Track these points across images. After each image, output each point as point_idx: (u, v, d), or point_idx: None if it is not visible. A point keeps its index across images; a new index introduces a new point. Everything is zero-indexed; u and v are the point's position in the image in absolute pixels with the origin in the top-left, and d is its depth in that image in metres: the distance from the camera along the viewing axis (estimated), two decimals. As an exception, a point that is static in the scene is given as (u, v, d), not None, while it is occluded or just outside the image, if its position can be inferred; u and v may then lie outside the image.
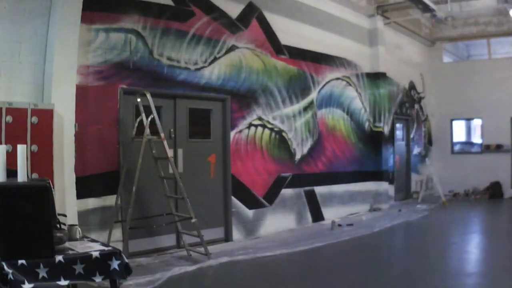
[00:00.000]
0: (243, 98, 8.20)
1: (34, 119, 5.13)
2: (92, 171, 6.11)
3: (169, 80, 7.09)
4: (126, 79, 6.56)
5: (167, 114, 7.19)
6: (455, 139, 15.32)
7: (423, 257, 6.84)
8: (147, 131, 6.20)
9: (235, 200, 8.00)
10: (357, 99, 11.25)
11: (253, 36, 8.43)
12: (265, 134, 8.63)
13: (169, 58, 7.08)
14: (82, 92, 6.00)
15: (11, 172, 3.18)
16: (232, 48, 8.02)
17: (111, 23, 6.39)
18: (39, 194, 2.95)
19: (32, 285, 2.75)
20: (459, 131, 15.64)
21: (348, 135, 10.92)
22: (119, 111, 6.47)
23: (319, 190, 9.82)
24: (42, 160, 5.14)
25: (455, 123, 15.34)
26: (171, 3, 7.16)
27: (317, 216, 9.74)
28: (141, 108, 6.26)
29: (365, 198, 11.35)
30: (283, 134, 9.01)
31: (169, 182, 6.71)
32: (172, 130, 7.20)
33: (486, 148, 14.49)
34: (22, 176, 3.10)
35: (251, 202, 8.29)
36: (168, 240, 7.06)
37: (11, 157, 3.29)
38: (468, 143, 15.51)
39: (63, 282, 2.91)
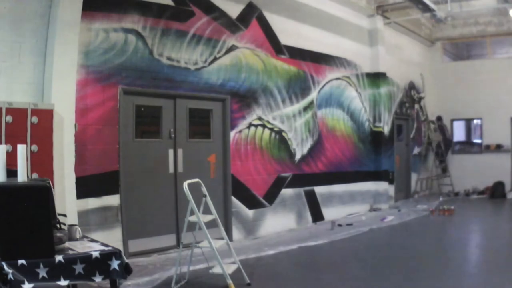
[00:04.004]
0: (243, 98, 8.20)
1: (34, 119, 5.13)
2: (92, 171, 6.11)
3: (169, 80, 7.09)
4: (126, 79, 6.56)
5: (167, 114, 7.19)
6: (455, 139, 15.34)
7: (423, 257, 6.84)
8: None
9: (235, 200, 8.00)
10: (357, 99, 11.25)
11: (253, 36, 8.43)
12: (265, 134, 8.63)
13: (169, 58, 7.08)
14: (82, 92, 6.01)
15: (11, 172, 3.18)
16: (232, 48, 8.02)
17: (111, 23, 6.39)
18: (39, 194, 2.95)
19: (32, 285, 2.75)
20: (459, 131, 15.65)
21: (348, 135, 10.92)
22: (119, 111, 6.47)
23: (319, 190, 9.82)
24: (42, 160, 5.14)
25: (455, 123, 15.35)
26: (171, 3, 7.16)
27: (317, 216, 9.74)
28: None
29: (365, 198, 11.36)
30: (283, 134, 9.01)
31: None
32: (172, 130, 7.20)
33: (486, 148, 14.49)
34: (22, 176, 3.10)
35: (251, 202, 8.30)
36: (168, 240, 7.07)
37: (11, 157, 3.29)
38: (468, 143, 15.51)
39: (63, 282, 2.91)
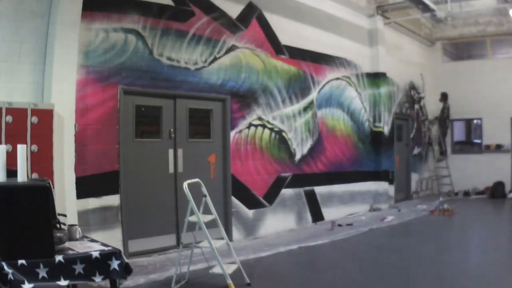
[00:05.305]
0: (243, 98, 8.20)
1: (34, 119, 5.13)
2: (92, 171, 6.12)
3: (169, 80, 7.09)
4: (126, 79, 6.56)
5: (167, 114, 7.19)
6: (455, 139, 15.33)
7: (423, 257, 6.84)
8: None
9: (235, 200, 8.00)
10: (357, 99, 11.25)
11: (253, 36, 8.43)
12: (265, 134, 8.63)
13: (169, 58, 7.08)
14: (82, 92, 6.02)
15: (11, 172, 3.17)
16: (232, 48, 8.02)
17: (111, 23, 6.39)
18: (39, 194, 2.95)
19: (32, 285, 2.75)
20: (459, 131, 15.65)
21: (348, 135, 10.93)
22: (119, 111, 6.47)
23: (319, 190, 9.82)
24: (42, 160, 5.14)
25: (455, 123, 15.35)
26: (171, 3, 7.16)
27: (317, 216, 9.74)
28: None
29: (365, 198, 11.36)
30: (283, 134, 9.01)
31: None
32: (172, 130, 7.20)
33: (486, 148, 14.49)
34: (22, 176, 3.10)
35: (251, 202, 8.30)
36: (168, 240, 7.07)
37: (11, 157, 3.29)
38: (468, 143, 15.51)
39: (63, 282, 2.91)
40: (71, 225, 3.55)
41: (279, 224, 8.74)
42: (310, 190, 9.62)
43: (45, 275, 2.85)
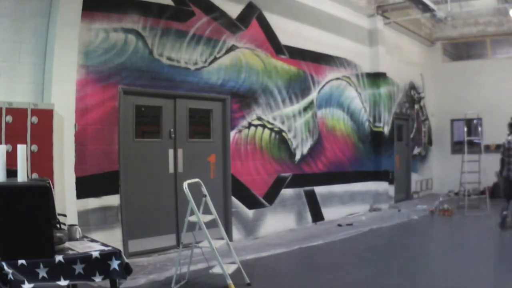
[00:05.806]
0: (243, 98, 8.20)
1: (34, 119, 5.13)
2: (92, 171, 6.12)
3: (169, 80, 7.09)
4: (126, 79, 6.56)
5: (167, 114, 7.19)
6: (456, 139, 15.31)
7: (423, 257, 6.85)
8: None
9: (235, 200, 8.00)
10: (357, 99, 11.25)
11: (253, 36, 8.43)
12: (265, 134, 8.63)
13: (169, 58, 7.08)
14: (82, 92, 6.01)
15: (11, 172, 3.17)
16: (232, 48, 8.02)
17: (111, 23, 6.40)
18: (39, 194, 2.95)
19: (32, 285, 2.74)
20: (459, 131, 15.62)
21: (348, 135, 10.93)
22: (119, 111, 6.47)
23: (319, 190, 9.82)
24: (42, 160, 5.14)
25: (455, 123, 15.34)
26: (171, 3, 7.16)
27: (317, 216, 9.74)
28: None
29: (365, 198, 11.36)
30: (283, 134, 9.01)
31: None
32: (172, 130, 7.20)
33: (486, 148, 14.47)
34: (22, 176, 3.10)
35: (251, 202, 8.30)
36: (168, 240, 7.07)
37: (11, 157, 3.28)
38: (468, 143, 15.48)
39: (63, 282, 2.91)
40: (71, 225, 3.55)
41: (279, 224, 8.74)
42: (310, 190, 9.62)
43: (45, 275, 2.84)
